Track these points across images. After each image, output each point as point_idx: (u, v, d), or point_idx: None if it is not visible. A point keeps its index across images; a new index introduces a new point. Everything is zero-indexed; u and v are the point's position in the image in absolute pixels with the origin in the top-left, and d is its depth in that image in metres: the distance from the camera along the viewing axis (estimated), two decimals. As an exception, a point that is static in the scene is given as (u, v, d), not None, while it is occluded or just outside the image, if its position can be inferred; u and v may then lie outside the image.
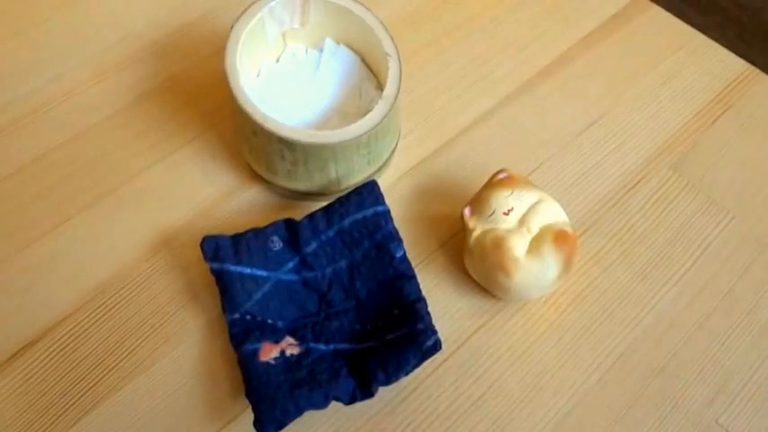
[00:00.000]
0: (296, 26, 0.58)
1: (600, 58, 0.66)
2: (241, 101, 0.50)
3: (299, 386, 0.45)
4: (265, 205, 0.57)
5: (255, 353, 0.46)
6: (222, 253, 0.49)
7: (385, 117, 0.51)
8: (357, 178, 0.55)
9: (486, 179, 0.55)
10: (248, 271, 0.49)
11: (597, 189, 0.58)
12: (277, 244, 0.50)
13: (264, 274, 0.50)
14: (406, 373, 0.46)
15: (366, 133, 0.50)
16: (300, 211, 0.55)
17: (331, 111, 0.58)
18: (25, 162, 0.59)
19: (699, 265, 0.55)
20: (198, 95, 0.63)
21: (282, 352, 0.47)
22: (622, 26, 0.68)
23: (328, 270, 0.51)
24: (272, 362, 0.46)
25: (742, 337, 0.52)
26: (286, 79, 0.59)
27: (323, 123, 0.57)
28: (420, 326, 0.47)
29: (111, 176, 0.58)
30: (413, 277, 0.50)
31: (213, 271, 0.49)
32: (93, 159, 0.59)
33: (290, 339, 0.48)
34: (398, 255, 0.50)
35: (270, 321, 0.49)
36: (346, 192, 0.53)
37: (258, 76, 0.59)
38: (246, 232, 0.50)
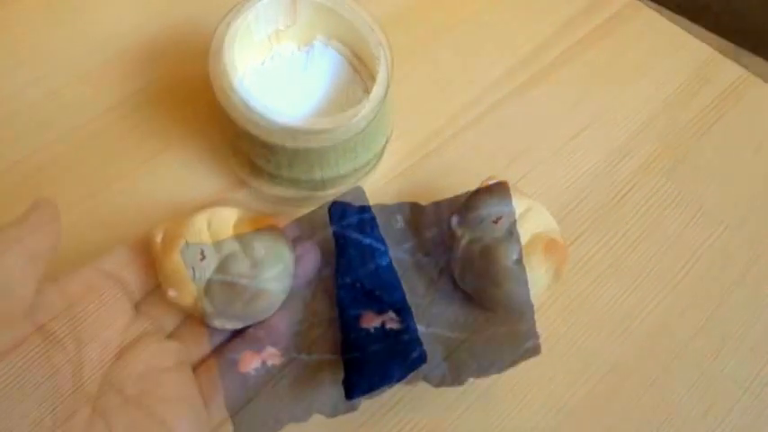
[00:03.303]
0: (283, 27, 0.56)
1: (592, 62, 0.65)
2: (224, 103, 0.49)
3: (280, 398, 0.43)
4: (250, 210, 0.55)
5: (236, 362, 0.45)
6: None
7: (372, 120, 0.50)
8: (343, 183, 0.54)
9: (474, 185, 0.54)
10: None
11: (588, 196, 0.57)
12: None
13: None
14: (390, 386, 0.45)
15: (352, 137, 0.49)
16: (286, 217, 0.54)
17: (318, 112, 0.56)
18: (5, 166, 0.57)
19: (691, 276, 0.54)
20: (183, 98, 0.61)
21: (264, 362, 0.46)
22: (616, 29, 0.67)
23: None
24: (253, 372, 0.45)
25: (735, 350, 0.51)
26: (273, 80, 0.57)
27: (309, 125, 0.56)
28: (405, 337, 0.46)
29: (92, 181, 0.56)
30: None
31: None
32: (74, 163, 0.57)
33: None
34: (384, 263, 0.49)
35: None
36: (332, 197, 0.51)
37: (244, 77, 0.57)
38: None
